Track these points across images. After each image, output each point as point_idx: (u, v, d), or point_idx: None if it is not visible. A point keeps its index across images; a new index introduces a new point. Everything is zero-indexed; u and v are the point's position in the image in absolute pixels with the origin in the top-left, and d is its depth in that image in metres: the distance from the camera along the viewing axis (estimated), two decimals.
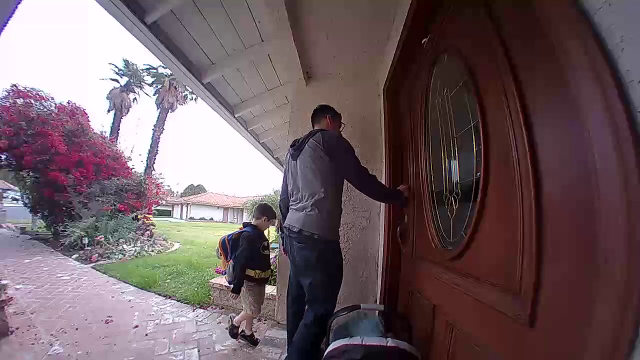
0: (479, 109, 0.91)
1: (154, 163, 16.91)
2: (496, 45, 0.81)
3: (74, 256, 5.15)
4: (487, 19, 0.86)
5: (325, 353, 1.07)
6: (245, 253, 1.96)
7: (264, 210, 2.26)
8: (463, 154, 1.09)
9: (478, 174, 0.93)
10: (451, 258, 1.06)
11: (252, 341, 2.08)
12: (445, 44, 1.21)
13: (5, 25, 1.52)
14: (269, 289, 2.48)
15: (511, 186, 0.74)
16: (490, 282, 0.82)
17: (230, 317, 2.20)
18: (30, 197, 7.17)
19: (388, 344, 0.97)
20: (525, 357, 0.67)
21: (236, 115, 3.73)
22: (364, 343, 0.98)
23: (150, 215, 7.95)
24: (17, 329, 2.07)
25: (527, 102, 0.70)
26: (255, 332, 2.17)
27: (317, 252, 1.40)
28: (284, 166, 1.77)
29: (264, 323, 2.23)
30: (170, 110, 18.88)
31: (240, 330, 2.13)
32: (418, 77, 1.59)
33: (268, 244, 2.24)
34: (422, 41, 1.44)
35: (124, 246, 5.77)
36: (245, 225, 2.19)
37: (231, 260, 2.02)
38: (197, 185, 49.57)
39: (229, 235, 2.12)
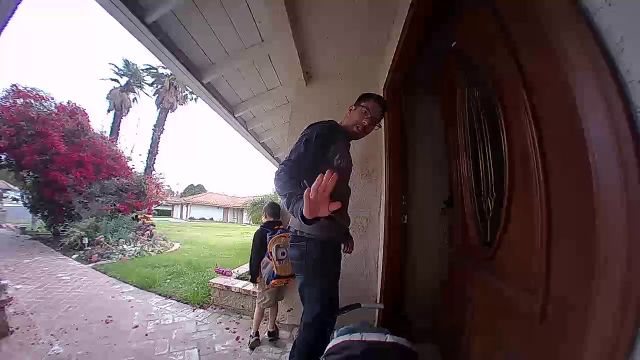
0: (501, 113, 0.93)
1: (154, 163, 16.87)
2: (506, 50, 0.83)
3: (74, 256, 5.15)
4: (496, 24, 0.87)
5: (326, 350, 1.08)
6: None
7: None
8: (496, 157, 1.10)
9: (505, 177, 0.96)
10: (488, 257, 1.10)
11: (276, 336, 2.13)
12: (467, 49, 1.22)
13: (5, 25, 1.52)
14: None
15: (531, 189, 0.76)
16: (516, 281, 0.86)
17: (267, 330, 2.17)
18: (30, 197, 7.16)
19: (387, 340, 0.99)
20: (535, 351, 0.68)
21: (236, 115, 3.73)
22: (363, 339, 1.00)
23: (150, 215, 7.94)
24: (17, 329, 2.06)
25: (535, 104, 0.71)
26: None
27: (301, 249, 1.32)
28: None
29: (264, 323, 2.23)
30: (170, 110, 18.85)
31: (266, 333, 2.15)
32: (446, 78, 1.58)
33: None
34: (452, 44, 1.42)
35: (124, 246, 5.77)
36: (278, 224, 2.17)
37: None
38: (197, 185, 49.55)
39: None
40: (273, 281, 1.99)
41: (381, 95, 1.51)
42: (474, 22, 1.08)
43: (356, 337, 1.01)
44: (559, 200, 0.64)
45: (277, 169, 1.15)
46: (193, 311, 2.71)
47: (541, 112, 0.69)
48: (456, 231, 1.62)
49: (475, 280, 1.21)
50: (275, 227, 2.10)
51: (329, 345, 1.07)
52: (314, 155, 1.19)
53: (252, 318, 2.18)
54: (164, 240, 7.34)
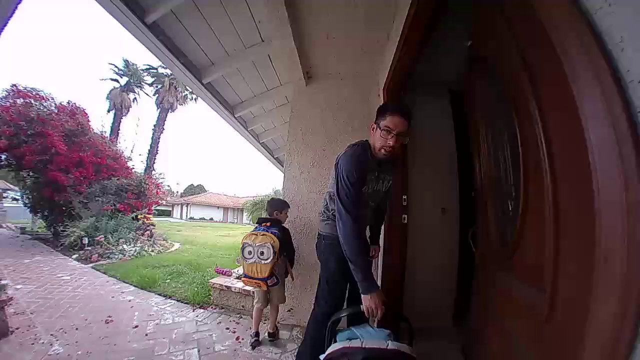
0: (515, 115, 0.93)
1: (154, 163, 16.88)
2: (515, 50, 0.83)
3: (74, 256, 5.15)
4: (505, 24, 0.87)
5: (324, 355, 1.05)
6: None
7: (281, 203, 2.22)
8: (514, 158, 1.09)
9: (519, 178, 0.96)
10: (506, 257, 1.10)
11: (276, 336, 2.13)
12: (482, 49, 1.22)
13: (5, 25, 1.52)
14: None
15: (542, 190, 0.76)
16: (530, 281, 0.86)
17: (267, 331, 2.14)
18: (30, 197, 7.15)
19: (388, 347, 0.95)
20: (545, 352, 0.69)
21: (236, 115, 3.73)
22: (363, 346, 0.96)
23: (150, 215, 7.93)
24: (17, 329, 2.06)
25: (542, 105, 0.71)
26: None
27: (321, 245, 1.50)
28: None
29: (264, 323, 2.23)
30: (170, 110, 18.86)
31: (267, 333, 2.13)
32: (466, 77, 1.56)
33: None
34: (468, 43, 1.41)
35: (124, 246, 5.76)
36: (273, 223, 2.04)
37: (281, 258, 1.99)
38: (197, 185, 49.47)
39: (274, 232, 1.96)
40: (243, 279, 2.00)
41: (401, 103, 1.40)
42: (485, 21, 1.08)
43: (356, 343, 0.98)
44: (563, 200, 0.64)
45: (337, 207, 1.26)
46: (193, 311, 2.71)
47: (547, 114, 0.69)
48: (480, 233, 1.61)
49: (496, 280, 1.21)
50: (263, 224, 2.02)
51: (328, 351, 1.05)
52: (358, 193, 1.27)
53: (252, 317, 2.17)
54: (164, 240, 7.34)
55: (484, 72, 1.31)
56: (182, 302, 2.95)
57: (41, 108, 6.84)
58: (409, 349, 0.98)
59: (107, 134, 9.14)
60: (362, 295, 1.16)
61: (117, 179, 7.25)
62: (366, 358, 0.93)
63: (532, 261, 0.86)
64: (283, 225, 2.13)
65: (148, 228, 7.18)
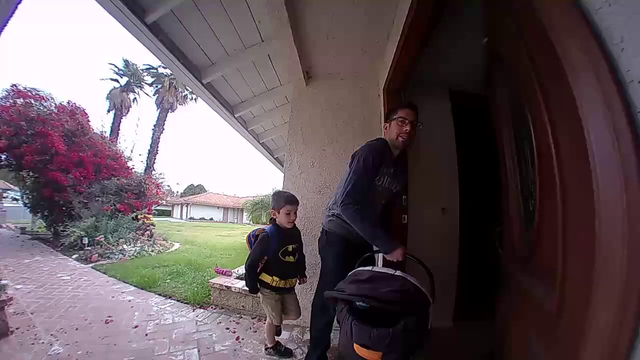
0: (530, 117, 0.93)
1: (154, 163, 16.87)
2: (525, 53, 0.83)
3: (74, 256, 5.14)
4: (513, 25, 0.87)
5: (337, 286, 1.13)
6: (254, 255, 1.68)
7: (275, 199, 1.81)
8: (532, 158, 1.09)
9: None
10: (526, 257, 1.10)
11: (282, 353, 1.89)
12: (496, 47, 1.21)
13: (5, 25, 1.52)
14: None
15: (554, 190, 0.76)
16: (545, 281, 0.86)
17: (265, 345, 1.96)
18: (30, 197, 7.14)
19: (395, 273, 1.03)
20: (552, 350, 0.70)
21: (236, 115, 3.73)
22: (372, 269, 1.08)
23: (151, 215, 7.92)
24: (17, 329, 2.06)
25: (549, 105, 0.71)
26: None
27: (322, 240, 1.61)
28: None
29: (264, 323, 2.22)
30: (170, 110, 18.87)
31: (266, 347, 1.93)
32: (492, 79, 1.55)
33: (295, 248, 1.80)
34: (484, 40, 1.41)
35: (124, 246, 5.76)
36: (270, 222, 1.83)
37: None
38: (197, 185, 49.49)
39: (253, 231, 1.82)
40: None
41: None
42: (495, 20, 1.08)
43: (367, 268, 1.10)
44: (568, 199, 0.64)
45: (345, 188, 1.32)
46: (193, 311, 2.71)
47: (553, 114, 0.69)
48: (505, 233, 1.60)
49: (518, 280, 1.21)
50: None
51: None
52: (370, 180, 1.36)
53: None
54: (164, 240, 7.33)
55: (502, 70, 1.30)
56: (182, 302, 2.95)
57: (41, 108, 6.84)
58: (414, 279, 1.02)
59: (107, 134, 9.12)
60: (384, 256, 1.27)
61: (117, 179, 7.24)
62: (372, 276, 1.02)
63: (547, 261, 0.86)
64: (280, 229, 1.75)
65: (148, 228, 7.17)
